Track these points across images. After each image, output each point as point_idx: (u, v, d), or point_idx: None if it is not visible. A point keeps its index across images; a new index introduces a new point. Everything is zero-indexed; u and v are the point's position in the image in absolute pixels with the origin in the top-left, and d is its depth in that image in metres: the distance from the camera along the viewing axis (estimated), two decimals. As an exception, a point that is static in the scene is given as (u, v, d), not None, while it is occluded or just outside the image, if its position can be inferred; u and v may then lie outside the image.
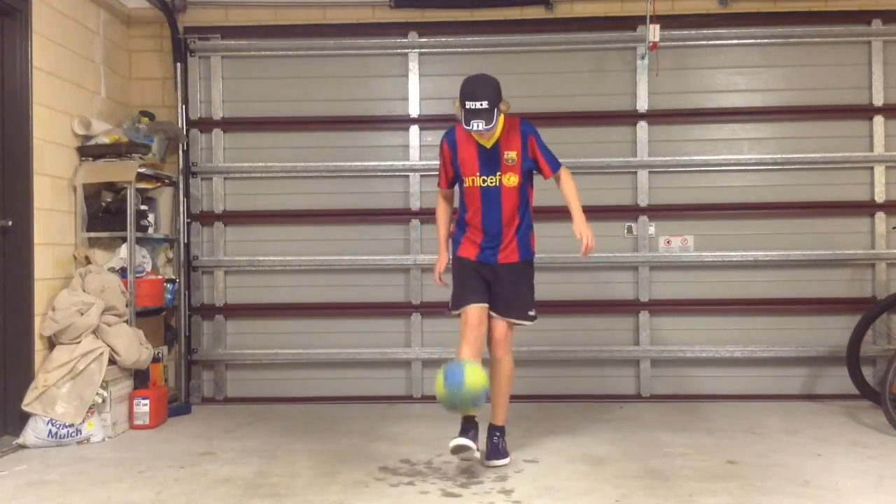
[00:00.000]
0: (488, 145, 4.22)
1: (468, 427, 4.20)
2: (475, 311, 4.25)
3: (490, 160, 4.23)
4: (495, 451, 4.29)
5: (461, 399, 3.86)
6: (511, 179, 4.24)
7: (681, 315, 6.05)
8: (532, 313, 4.38)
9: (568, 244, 5.88)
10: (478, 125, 4.03)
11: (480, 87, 4.08)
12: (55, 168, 5.08)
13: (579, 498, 3.67)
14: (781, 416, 5.41)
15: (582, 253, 4.18)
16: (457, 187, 4.47)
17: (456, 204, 4.53)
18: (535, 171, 4.35)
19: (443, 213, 4.55)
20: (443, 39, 6.10)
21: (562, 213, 5.91)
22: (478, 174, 4.24)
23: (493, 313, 4.32)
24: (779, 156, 6.01)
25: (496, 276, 4.30)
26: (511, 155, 4.23)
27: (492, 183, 4.23)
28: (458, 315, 4.32)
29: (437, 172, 4.55)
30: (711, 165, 6.04)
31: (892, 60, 5.97)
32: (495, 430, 4.36)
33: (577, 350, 6.01)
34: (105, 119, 5.64)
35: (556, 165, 4.32)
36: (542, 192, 6.02)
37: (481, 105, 4.02)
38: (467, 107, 4.04)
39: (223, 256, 6.16)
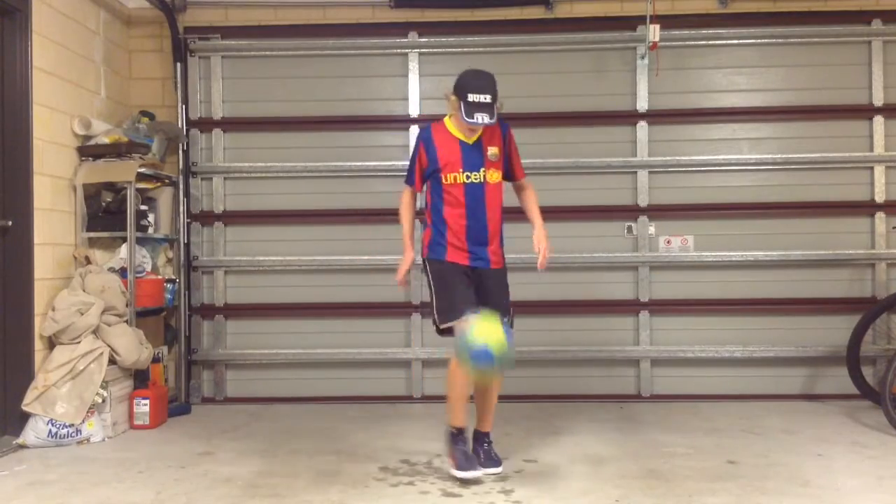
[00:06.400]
0: (470, 141, 4.09)
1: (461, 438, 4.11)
2: None
3: (473, 156, 4.09)
4: (489, 458, 4.14)
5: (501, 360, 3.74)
6: (494, 176, 4.11)
7: (681, 315, 6.05)
8: (508, 318, 4.18)
9: (568, 244, 5.92)
10: (482, 118, 3.91)
11: (485, 81, 3.99)
12: (55, 168, 5.08)
13: (579, 498, 3.67)
14: (781, 416, 5.41)
15: (540, 265, 4.07)
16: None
17: (419, 205, 4.41)
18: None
19: (409, 212, 4.32)
20: (443, 39, 6.10)
21: (562, 214, 5.99)
22: (461, 170, 4.07)
23: None
24: (779, 156, 6.01)
25: (484, 282, 4.12)
26: (494, 151, 4.11)
27: (476, 179, 4.08)
28: (448, 328, 4.01)
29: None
30: (711, 165, 6.04)
31: (892, 60, 5.97)
32: (486, 438, 4.22)
33: (577, 350, 6.00)
34: (105, 119, 5.64)
35: (522, 171, 4.28)
36: (545, 193, 6.07)
37: (486, 99, 3.93)
38: (471, 100, 3.92)
39: (223, 256, 6.16)
